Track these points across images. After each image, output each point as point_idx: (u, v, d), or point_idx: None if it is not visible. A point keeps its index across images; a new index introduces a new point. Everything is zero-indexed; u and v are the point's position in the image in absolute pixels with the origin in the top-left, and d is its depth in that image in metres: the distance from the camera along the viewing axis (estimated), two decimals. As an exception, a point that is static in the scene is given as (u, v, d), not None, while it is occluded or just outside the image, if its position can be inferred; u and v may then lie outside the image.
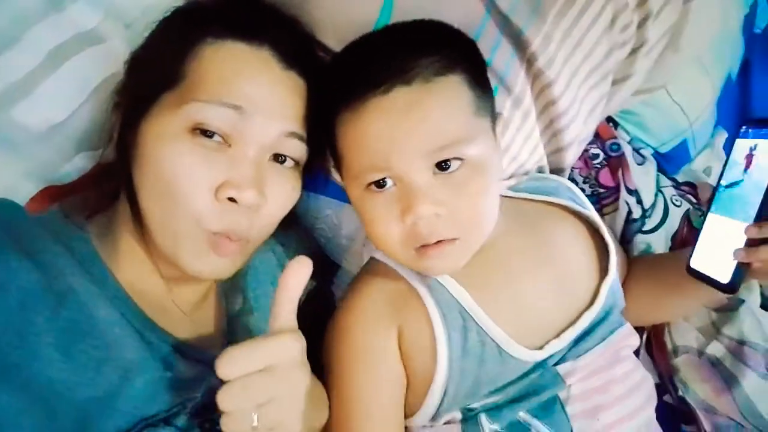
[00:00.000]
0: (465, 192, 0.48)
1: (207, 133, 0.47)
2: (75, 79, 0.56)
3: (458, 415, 0.53)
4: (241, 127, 0.47)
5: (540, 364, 0.52)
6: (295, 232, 0.69)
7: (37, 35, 0.52)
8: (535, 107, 0.65)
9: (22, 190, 0.58)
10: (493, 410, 0.51)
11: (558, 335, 0.53)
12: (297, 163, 0.53)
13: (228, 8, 0.51)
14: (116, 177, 0.52)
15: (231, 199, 0.47)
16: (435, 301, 0.52)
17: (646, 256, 0.71)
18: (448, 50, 0.50)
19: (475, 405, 0.52)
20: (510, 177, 0.69)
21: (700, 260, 0.53)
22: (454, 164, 0.48)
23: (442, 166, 0.48)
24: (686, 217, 0.74)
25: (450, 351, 0.51)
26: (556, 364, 0.52)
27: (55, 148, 0.57)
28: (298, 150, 0.51)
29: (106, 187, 0.54)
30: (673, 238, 0.74)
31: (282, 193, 0.51)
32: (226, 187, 0.46)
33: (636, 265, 0.69)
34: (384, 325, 0.53)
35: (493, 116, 0.54)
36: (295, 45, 0.52)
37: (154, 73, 0.49)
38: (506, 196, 0.61)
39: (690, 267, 0.54)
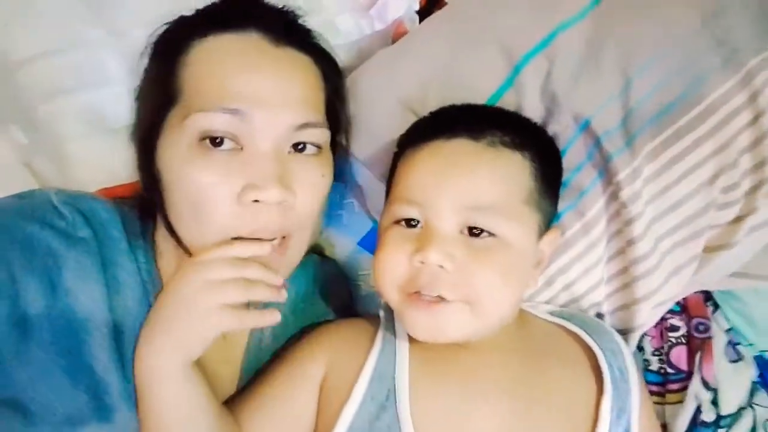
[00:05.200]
0: (484, 260, 0.46)
1: (216, 141, 0.46)
2: None
3: None
4: (246, 128, 0.46)
5: None
6: (335, 276, 0.69)
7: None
8: (607, 247, 0.59)
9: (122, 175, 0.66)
10: None
11: None
12: (320, 147, 0.51)
13: (207, 9, 0.51)
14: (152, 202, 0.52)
15: (255, 201, 0.46)
16: (375, 366, 0.49)
17: None
18: (526, 134, 0.52)
19: None
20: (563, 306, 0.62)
21: None
22: (485, 236, 0.47)
23: (473, 231, 0.47)
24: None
25: (355, 420, 0.47)
26: None
27: None
28: (316, 136, 0.50)
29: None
30: (752, 471, 0.56)
31: (311, 182, 0.50)
32: (247, 190, 0.45)
33: None
34: (317, 359, 0.52)
35: (548, 223, 0.52)
36: (284, 21, 0.52)
37: (155, 96, 0.50)
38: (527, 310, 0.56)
39: None
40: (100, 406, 0.45)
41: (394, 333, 0.53)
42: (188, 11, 0.53)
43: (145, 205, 0.54)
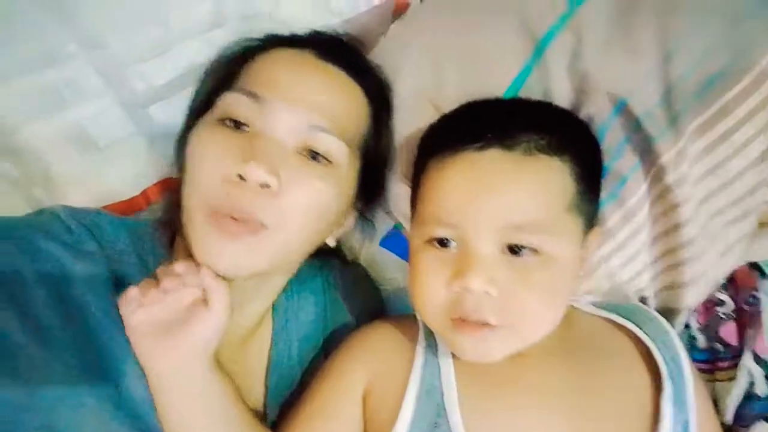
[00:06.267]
0: (528, 282, 0.44)
1: (237, 124, 0.48)
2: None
3: None
4: (261, 113, 0.47)
5: None
6: (358, 280, 0.68)
7: (182, 51, 0.60)
8: (651, 229, 0.56)
9: (149, 175, 0.66)
10: None
11: None
12: (330, 161, 0.50)
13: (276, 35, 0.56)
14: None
15: (239, 177, 0.45)
16: (420, 380, 0.48)
17: None
18: (564, 132, 0.47)
19: None
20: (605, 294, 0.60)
21: None
22: (526, 252, 0.44)
23: (514, 249, 0.44)
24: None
25: None
26: None
27: None
28: (332, 146, 0.49)
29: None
30: (814, 446, 0.56)
31: (306, 186, 0.48)
32: (233, 165, 0.46)
33: None
34: (358, 370, 0.52)
35: (591, 223, 0.49)
36: (339, 47, 0.55)
37: (214, 82, 0.54)
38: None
39: None
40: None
41: (434, 342, 0.51)
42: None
43: (162, 220, 0.55)
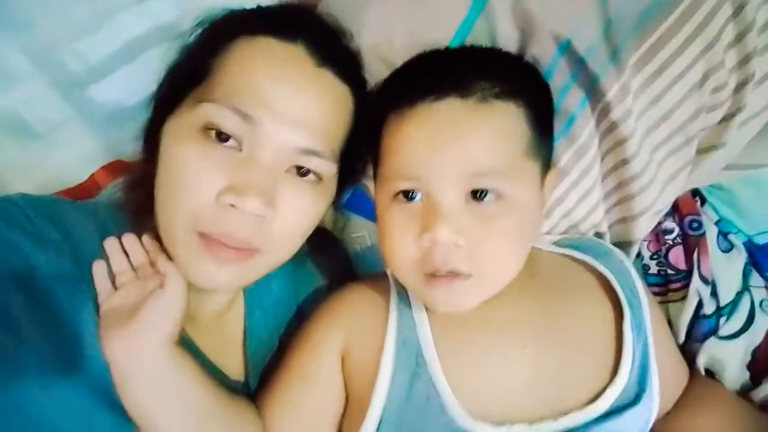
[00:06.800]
0: (493, 228, 0.45)
1: (222, 136, 0.45)
2: (148, 70, 0.58)
3: None
4: (252, 134, 0.45)
5: None
6: (324, 242, 0.67)
7: (118, 24, 0.57)
8: (601, 164, 0.59)
9: (94, 158, 0.64)
10: None
11: (532, 423, 0.46)
12: (320, 178, 0.49)
13: (266, 9, 0.51)
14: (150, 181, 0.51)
15: (232, 206, 0.44)
16: (396, 334, 0.49)
17: (727, 398, 0.58)
18: (516, 78, 0.48)
19: None
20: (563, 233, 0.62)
21: None
22: (489, 197, 0.45)
23: (477, 195, 0.45)
24: (775, 330, 0.61)
25: (391, 392, 0.47)
26: None
27: (125, 128, 0.60)
28: (321, 166, 0.48)
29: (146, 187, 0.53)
30: (756, 352, 0.60)
31: (298, 207, 0.48)
32: (227, 192, 0.44)
33: (707, 400, 0.57)
34: (334, 335, 0.52)
35: (547, 165, 0.50)
36: (331, 41, 0.50)
37: (183, 70, 0.50)
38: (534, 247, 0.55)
39: None
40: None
41: (407, 296, 0.53)
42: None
43: (122, 201, 0.53)
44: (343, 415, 0.52)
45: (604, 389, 0.48)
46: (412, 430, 0.47)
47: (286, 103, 0.45)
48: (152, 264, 0.48)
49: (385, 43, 0.58)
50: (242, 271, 0.47)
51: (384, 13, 0.57)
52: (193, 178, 0.44)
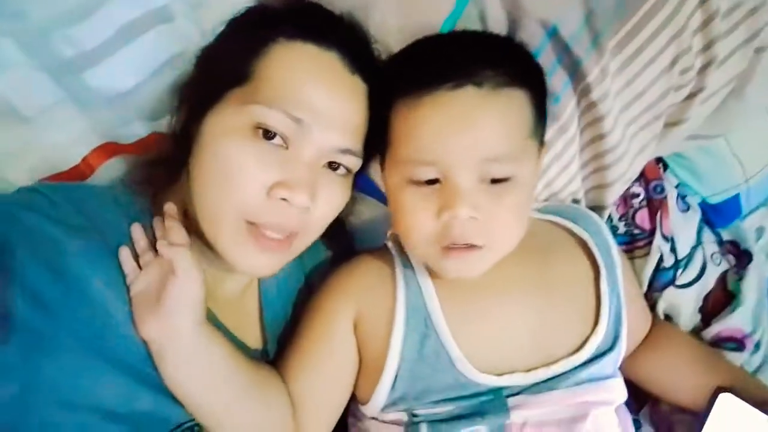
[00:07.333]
0: (503, 204, 0.50)
1: (269, 134, 0.49)
2: (142, 54, 0.60)
3: (404, 418, 0.54)
4: (300, 134, 0.49)
5: (496, 390, 0.53)
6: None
7: (110, 9, 0.56)
8: (580, 138, 0.64)
9: (86, 141, 0.63)
10: (435, 422, 0.53)
11: (528, 371, 0.53)
12: (349, 171, 0.55)
13: (299, 11, 0.54)
14: (175, 164, 0.55)
15: (283, 199, 0.49)
16: (405, 301, 0.55)
17: (682, 338, 0.68)
18: (522, 66, 0.52)
19: (421, 412, 0.54)
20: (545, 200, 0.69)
21: None
22: (501, 180, 0.49)
23: (492, 179, 0.49)
24: (722, 278, 0.71)
25: (404, 352, 0.53)
26: (513, 395, 0.53)
27: (117, 112, 0.61)
28: (352, 162, 0.54)
29: (168, 168, 0.57)
30: (706, 298, 0.70)
31: (332, 198, 0.54)
32: (280, 187, 0.48)
33: (666, 340, 0.66)
34: (346, 304, 0.57)
35: (542, 142, 0.55)
36: (361, 49, 0.55)
37: (223, 70, 0.52)
38: None
39: None
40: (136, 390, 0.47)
41: (411, 266, 0.58)
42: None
43: (139, 181, 0.57)
44: (357, 376, 0.58)
45: (587, 338, 0.56)
46: (424, 384, 0.54)
47: (328, 107, 0.50)
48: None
49: (375, 25, 0.59)
50: (281, 256, 0.52)
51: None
52: (246, 171, 0.48)
